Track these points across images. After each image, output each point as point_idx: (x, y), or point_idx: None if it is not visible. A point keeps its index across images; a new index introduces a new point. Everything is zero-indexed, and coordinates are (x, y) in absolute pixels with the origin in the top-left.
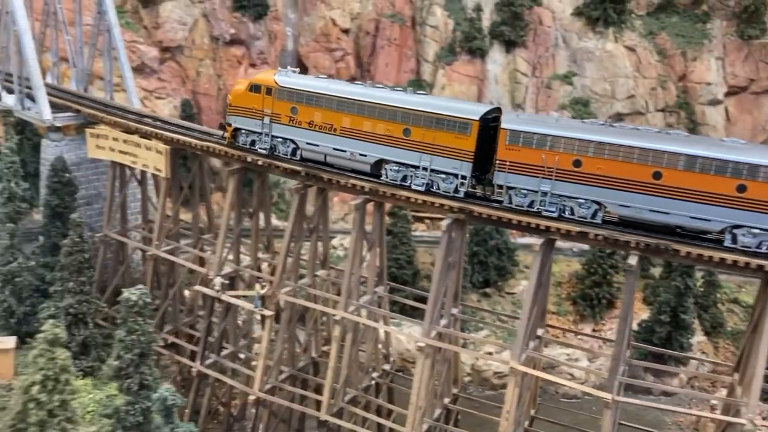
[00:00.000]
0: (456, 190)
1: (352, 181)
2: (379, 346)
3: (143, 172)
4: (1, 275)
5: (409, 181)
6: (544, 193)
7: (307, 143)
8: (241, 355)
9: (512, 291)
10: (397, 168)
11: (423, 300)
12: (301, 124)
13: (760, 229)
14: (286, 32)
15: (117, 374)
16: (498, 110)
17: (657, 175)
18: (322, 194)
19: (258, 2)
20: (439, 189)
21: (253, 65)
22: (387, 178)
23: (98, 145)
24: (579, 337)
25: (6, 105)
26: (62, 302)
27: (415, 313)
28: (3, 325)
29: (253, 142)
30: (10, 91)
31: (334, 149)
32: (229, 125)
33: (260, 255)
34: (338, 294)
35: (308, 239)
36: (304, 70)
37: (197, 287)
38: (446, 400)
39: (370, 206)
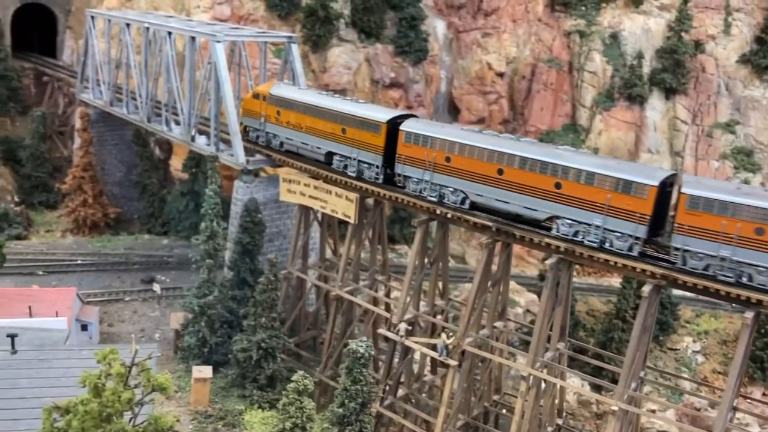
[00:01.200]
0: (376, 177)
1: (547, 240)
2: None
3: (323, 214)
4: (198, 307)
5: (348, 170)
6: (427, 182)
7: (286, 137)
8: (413, 398)
9: (675, 347)
10: (340, 158)
11: (582, 351)
12: (282, 123)
13: (572, 220)
14: (440, 75)
15: (340, 421)
16: (411, 116)
17: (500, 172)
18: (508, 249)
19: (419, 48)
20: (364, 176)
21: (409, 107)
22: (334, 166)
23: (289, 189)
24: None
25: (199, 147)
26: (255, 336)
27: (572, 364)
28: (196, 353)
29: (257, 137)
30: (201, 133)
31: (302, 143)
32: (242, 124)
33: (437, 302)
34: (509, 344)
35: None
36: (456, 112)
37: (382, 331)
38: None
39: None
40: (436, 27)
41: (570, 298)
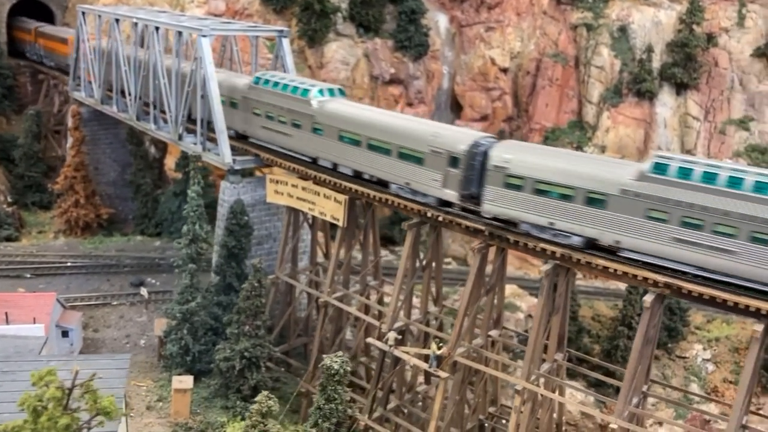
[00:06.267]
0: None
1: (542, 245)
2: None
3: (314, 217)
4: (180, 314)
5: None
6: None
7: None
8: (404, 410)
9: (684, 355)
10: None
11: (586, 361)
12: None
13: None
14: (442, 71)
15: None
16: None
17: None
18: (502, 254)
19: (419, 42)
20: None
21: (410, 104)
22: None
23: (277, 190)
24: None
25: (186, 146)
26: (238, 345)
27: (575, 373)
28: (179, 362)
29: None
30: (189, 132)
31: None
32: None
33: (429, 309)
34: (509, 353)
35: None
36: (459, 109)
37: (370, 340)
38: None
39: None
40: (438, 21)
41: (568, 306)
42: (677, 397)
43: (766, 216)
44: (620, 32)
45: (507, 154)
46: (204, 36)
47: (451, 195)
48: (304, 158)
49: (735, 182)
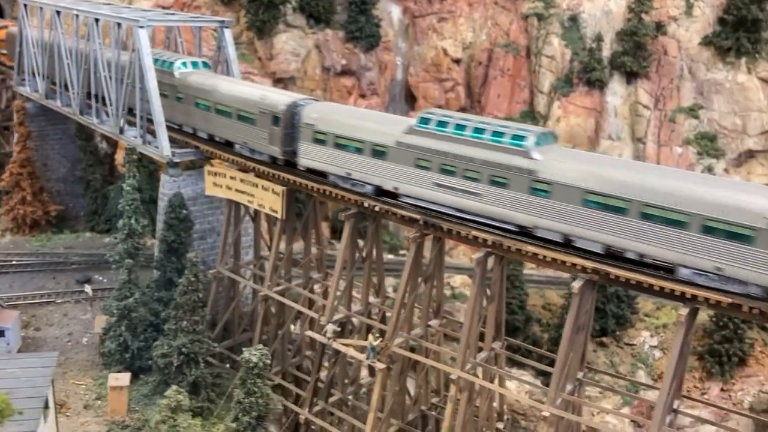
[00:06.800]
0: None
1: (474, 233)
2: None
3: (257, 210)
4: (118, 310)
5: None
6: None
7: None
8: (348, 403)
9: (632, 342)
10: None
11: (532, 348)
12: None
13: None
14: (396, 62)
15: None
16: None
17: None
18: (439, 243)
19: (370, 33)
20: None
21: (362, 96)
22: None
23: (215, 182)
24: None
25: (127, 139)
26: (175, 341)
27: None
28: (118, 359)
29: None
30: (131, 124)
31: None
32: None
33: (371, 299)
34: (459, 343)
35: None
36: (413, 100)
37: (309, 332)
38: None
39: None
40: (391, 12)
41: (504, 294)
42: (624, 385)
43: (500, 161)
44: (571, 21)
45: (314, 113)
46: (141, 27)
47: (276, 151)
48: (171, 125)
49: (479, 132)
